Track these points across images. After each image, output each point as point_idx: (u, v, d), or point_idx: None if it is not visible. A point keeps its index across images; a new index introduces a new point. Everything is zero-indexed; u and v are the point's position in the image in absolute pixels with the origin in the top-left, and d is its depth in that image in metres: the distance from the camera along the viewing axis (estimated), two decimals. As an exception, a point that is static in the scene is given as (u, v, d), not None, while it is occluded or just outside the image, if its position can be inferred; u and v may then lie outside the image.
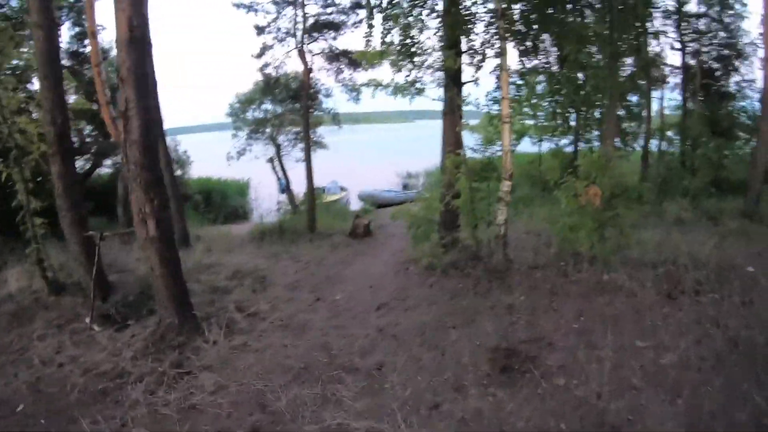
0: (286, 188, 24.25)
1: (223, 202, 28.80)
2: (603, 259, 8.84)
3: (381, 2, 10.45)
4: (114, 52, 25.39)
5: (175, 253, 7.46)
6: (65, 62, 21.71)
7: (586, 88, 11.26)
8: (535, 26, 10.62)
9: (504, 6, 9.32)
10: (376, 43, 10.66)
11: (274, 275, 10.93)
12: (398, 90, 10.48)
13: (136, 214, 7.09)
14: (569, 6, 10.70)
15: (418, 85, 10.73)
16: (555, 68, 12.33)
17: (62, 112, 8.72)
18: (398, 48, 10.36)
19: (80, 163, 25.17)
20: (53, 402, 6.04)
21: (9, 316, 8.50)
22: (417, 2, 10.48)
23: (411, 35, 10.38)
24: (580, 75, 11.93)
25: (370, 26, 10.68)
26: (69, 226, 8.73)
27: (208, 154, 27.40)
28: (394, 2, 10.33)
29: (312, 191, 18.24)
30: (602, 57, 10.93)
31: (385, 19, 10.31)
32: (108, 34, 20.77)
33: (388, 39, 10.30)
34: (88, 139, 23.34)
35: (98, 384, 6.23)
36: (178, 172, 27.26)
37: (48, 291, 9.06)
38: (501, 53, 9.59)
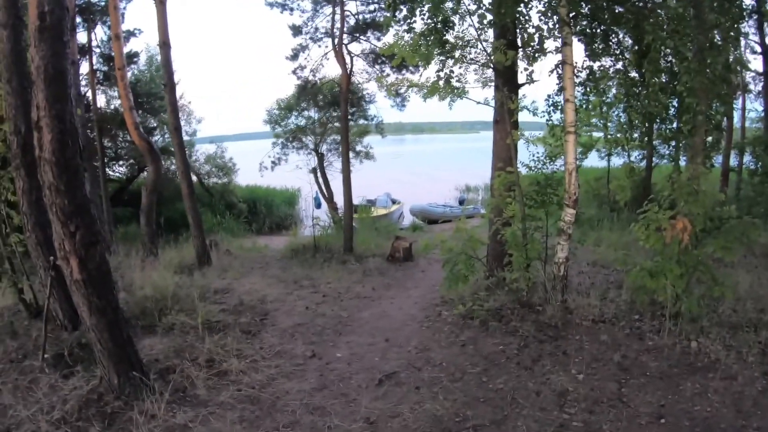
0: (325, 202, 22.86)
1: (269, 211, 27.60)
2: (690, 317, 6.88)
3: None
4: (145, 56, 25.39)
5: (111, 298, 5.85)
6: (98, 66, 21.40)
7: (676, 89, 8.94)
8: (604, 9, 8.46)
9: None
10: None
11: (280, 312, 9.10)
12: (433, 90, 8.46)
13: (57, 250, 5.63)
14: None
15: (455, 83, 8.61)
16: (625, 65, 10.08)
17: (27, 120, 7.48)
18: (426, 34, 8.32)
19: (123, 169, 25.00)
20: None
21: None
22: None
23: (444, 17, 8.27)
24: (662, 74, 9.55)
25: (393, 9, 8.66)
26: (34, 247, 7.73)
27: (251, 163, 26.38)
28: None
29: (350, 207, 16.48)
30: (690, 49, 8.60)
31: (410, 0, 8.34)
32: (144, 38, 20.49)
33: (416, 26, 8.36)
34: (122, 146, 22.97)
35: None
36: (224, 180, 26.54)
37: (26, 314, 8.32)
38: (564, 43, 7.52)
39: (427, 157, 61.43)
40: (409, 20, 8.60)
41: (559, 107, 8.50)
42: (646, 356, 6.36)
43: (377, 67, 20.33)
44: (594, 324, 7.36)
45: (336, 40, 17.42)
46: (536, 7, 8.57)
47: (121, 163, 25.25)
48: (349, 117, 18.61)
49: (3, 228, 8.22)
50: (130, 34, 21.48)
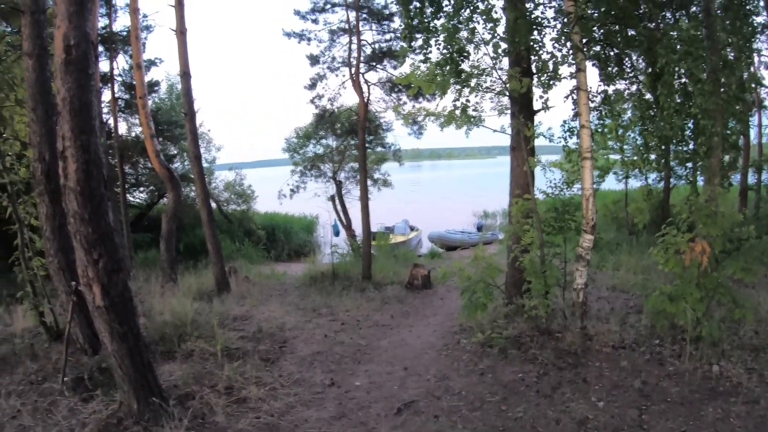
0: (344, 229, 22.87)
1: (288, 238, 27.66)
2: (711, 341, 6.77)
3: (423, 9, 8.55)
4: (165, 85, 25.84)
5: (133, 324, 5.89)
6: (120, 94, 21.78)
7: (690, 110, 8.90)
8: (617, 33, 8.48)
9: (579, 7, 7.38)
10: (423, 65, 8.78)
11: (298, 340, 9.07)
12: (449, 119, 8.50)
13: (81, 276, 5.67)
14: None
15: (471, 112, 8.64)
16: (640, 88, 10.05)
17: (51, 148, 7.71)
18: (442, 63, 8.38)
19: (143, 195, 25.34)
20: None
21: None
22: (465, 3, 8.41)
23: (459, 47, 8.35)
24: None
25: (409, 39, 8.77)
26: (56, 272, 7.84)
27: (269, 190, 26.54)
28: (440, 8, 8.41)
29: (368, 234, 16.48)
30: (703, 70, 8.57)
31: (427, 31, 8.42)
32: (164, 67, 20.96)
33: (431, 56, 8.43)
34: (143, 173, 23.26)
35: None
36: (243, 207, 26.74)
37: (47, 337, 8.43)
38: (578, 69, 7.55)
39: (445, 183, 61.36)
40: (424, 50, 8.69)
41: (575, 133, 8.51)
42: (667, 382, 6.29)
43: (394, 95, 20.50)
44: (614, 350, 7.29)
45: (353, 69, 17.59)
46: (549, 34, 8.59)
47: (141, 189, 25.62)
48: (367, 145, 18.71)
49: (25, 252, 8.37)
50: (151, 63, 21.90)
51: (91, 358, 7.53)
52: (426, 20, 8.70)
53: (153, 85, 22.54)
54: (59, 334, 8.27)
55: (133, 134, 23.29)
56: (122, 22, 20.80)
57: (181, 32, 13.92)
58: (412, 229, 30.26)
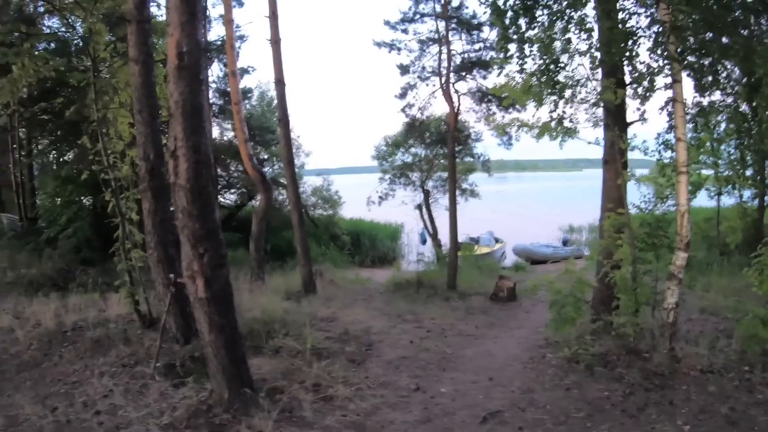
0: (430, 238, 22.94)
1: (372, 245, 28.00)
2: None
3: (517, 20, 8.53)
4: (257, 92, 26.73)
5: (231, 317, 6.21)
6: (214, 100, 22.72)
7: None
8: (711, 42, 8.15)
9: (674, 16, 7.19)
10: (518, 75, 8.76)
11: (384, 344, 9.21)
12: (544, 130, 8.46)
13: (185, 269, 6.02)
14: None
15: (567, 123, 8.57)
16: (735, 99, 9.61)
17: (155, 148, 8.25)
18: (538, 75, 8.35)
19: (233, 197, 26.33)
20: None
21: (92, 342, 8.29)
22: (559, 14, 8.36)
23: (554, 58, 8.30)
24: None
25: (505, 50, 8.76)
26: (155, 263, 8.35)
27: (354, 196, 26.95)
28: (534, 19, 8.36)
29: (455, 244, 16.53)
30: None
31: (521, 41, 8.39)
32: (256, 75, 21.87)
33: (527, 66, 8.39)
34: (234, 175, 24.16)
35: None
36: (329, 212, 27.31)
37: (140, 324, 8.85)
38: (674, 80, 7.39)
39: (529, 195, 60.36)
40: (520, 60, 8.69)
41: (670, 146, 8.28)
42: (756, 410, 6.02)
43: (484, 105, 20.43)
44: (702, 374, 7.01)
45: (443, 79, 17.70)
46: (644, 43, 8.41)
47: (232, 191, 26.55)
48: (456, 155, 18.77)
49: (125, 244, 8.87)
50: (244, 71, 22.76)
51: (182, 346, 7.86)
52: (520, 31, 8.70)
53: (245, 92, 23.41)
54: (152, 322, 8.75)
55: (225, 138, 24.25)
56: (216, 31, 21.67)
57: (275, 42, 14.45)
58: (497, 240, 30.01)
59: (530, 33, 8.63)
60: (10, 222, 21.99)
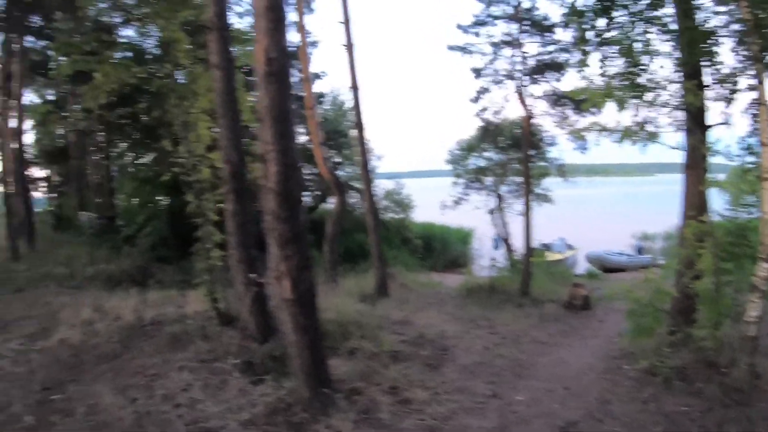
0: (503, 243, 22.74)
1: (444, 249, 28.01)
2: None
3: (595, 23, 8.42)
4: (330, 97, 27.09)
5: (314, 318, 6.42)
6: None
7: None
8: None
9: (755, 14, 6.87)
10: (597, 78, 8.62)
11: (459, 349, 9.25)
12: (626, 135, 8.34)
13: (271, 271, 6.25)
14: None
15: (649, 128, 8.42)
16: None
17: (237, 151, 8.51)
18: (621, 79, 8.23)
19: (306, 199, 26.84)
20: None
21: (170, 337, 8.61)
22: (640, 16, 8.20)
23: (636, 61, 8.16)
24: None
25: (583, 51, 8.68)
26: (236, 264, 8.52)
27: (425, 200, 27.00)
28: (612, 20, 8.23)
29: (529, 250, 16.41)
30: None
31: (602, 44, 8.28)
32: (327, 80, 22.23)
33: (608, 70, 8.28)
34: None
35: None
36: (401, 215, 27.46)
37: (217, 321, 9.08)
38: (758, 82, 7.10)
39: (601, 200, 58.85)
40: (601, 63, 8.58)
41: (754, 151, 7.98)
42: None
43: (558, 108, 20.12)
44: (782, 392, 6.77)
45: (516, 82, 17.61)
46: (726, 44, 8.15)
47: (305, 193, 27.06)
48: (530, 159, 18.62)
49: (206, 244, 9.13)
50: (316, 76, 23.18)
51: (260, 345, 7.97)
52: (599, 33, 8.60)
53: (318, 97, 23.85)
54: (229, 320, 8.97)
55: (299, 142, 24.74)
56: (288, 38, 22.17)
57: (349, 46, 14.70)
58: (569, 247, 29.51)
59: (609, 34, 8.53)
60: (90, 220, 23.22)
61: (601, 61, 8.54)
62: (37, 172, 25.58)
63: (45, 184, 26.78)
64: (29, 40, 19.78)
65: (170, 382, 6.98)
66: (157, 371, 7.40)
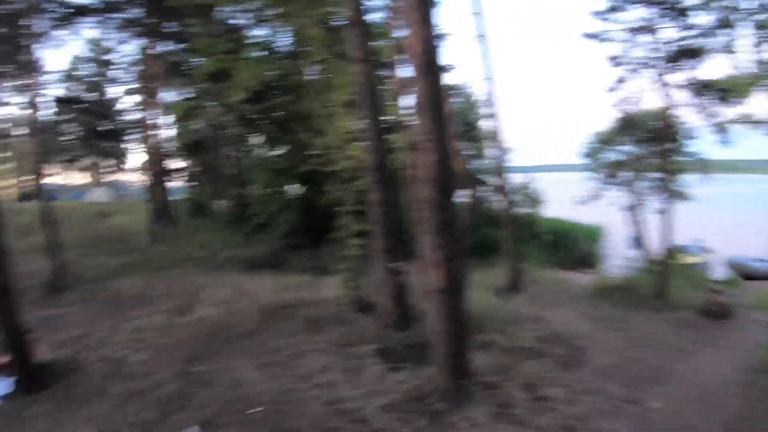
0: (636, 244, 22.01)
1: (572, 246, 27.49)
2: None
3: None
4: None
5: (462, 309, 6.70)
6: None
7: None
8: None
9: None
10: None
11: (592, 350, 9.27)
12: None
13: (423, 260, 6.66)
14: None
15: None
16: None
17: (381, 143, 8.93)
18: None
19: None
20: (282, 418, 6.24)
21: (306, 320, 9.26)
22: None
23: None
24: None
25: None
26: (378, 252, 8.97)
27: (555, 195, 26.53)
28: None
29: (668, 251, 15.94)
30: None
31: (759, 27, 7.95)
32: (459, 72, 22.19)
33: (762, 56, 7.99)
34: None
35: (332, 420, 6.19)
36: (530, 210, 27.19)
37: (353, 308, 9.66)
38: None
39: (743, 199, 54.69)
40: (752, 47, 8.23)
41: None
42: None
43: (700, 98, 19.04)
44: None
45: (655, 71, 16.94)
46: None
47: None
48: (669, 153, 17.87)
49: (346, 232, 9.69)
50: (447, 68, 23.36)
51: (398, 333, 8.41)
52: (750, 12, 8.25)
53: (450, 89, 24.05)
54: (365, 307, 9.51)
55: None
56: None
57: (481, 38, 14.71)
58: (704, 250, 27.97)
59: (762, 16, 8.15)
60: (224, 208, 24.82)
61: (753, 45, 8.16)
62: (176, 163, 27.61)
63: (183, 175, 28.90)
64: (166, 45, 21.51)
65: (308, 363, 7.58)
66: (294, 352, 8.06)
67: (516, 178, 28.42)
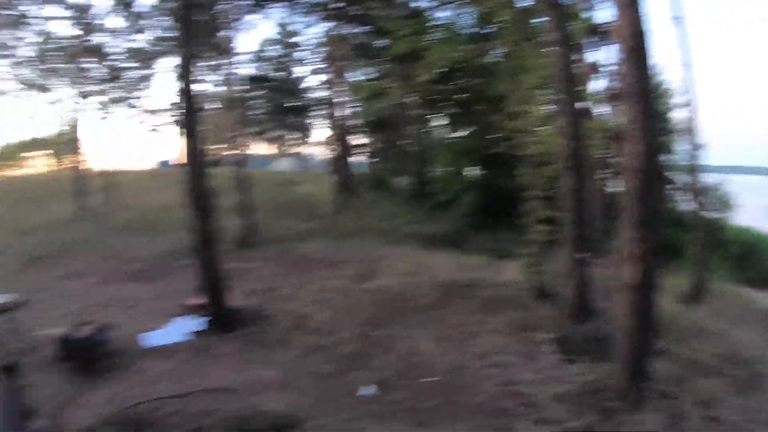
0: None
1: (762, 260, 25.03)
2: None
3: None
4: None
5: (652, 309, 6.42)
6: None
7: None
8: None
9: None
10: None
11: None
12: None
13: (622, 252, 6.35)
14: None
15: None
16: None
17: (577, 129, 8.73)
18: None
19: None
20: (456, 391, 6.39)
21: (485, 301, 9.44)
22: None
23: None
24: None
25: None
26: (566, 240, 8.92)
27: (747, 200, 24.26)
28: None
29: None
30: None
31: None
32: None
33: None
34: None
35: (504, 401, 6.24)
36: (719, 215, 25.15)
37: (531, 293, 9.71)
38: None
39: None
40: None
41: None
42: None
43: None
44: None
45: None
46: None
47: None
48: None
49: (532, 218, 9.62)
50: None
51: (578, 325, 8.28)
52: None
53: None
54: (544, 294, 9.47)
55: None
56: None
57: (677, 19, 13.66)
58: None
59: None
60: (404, 184, 25.44)
61: None
62: (359, 139, 28.87)
63: (366, 150, 30.17)
64: (351, 27, 22.25)
65: (484, 342, 7.70)
66: (471, 330, 8.23)
67: (707, 178, 26.51)
